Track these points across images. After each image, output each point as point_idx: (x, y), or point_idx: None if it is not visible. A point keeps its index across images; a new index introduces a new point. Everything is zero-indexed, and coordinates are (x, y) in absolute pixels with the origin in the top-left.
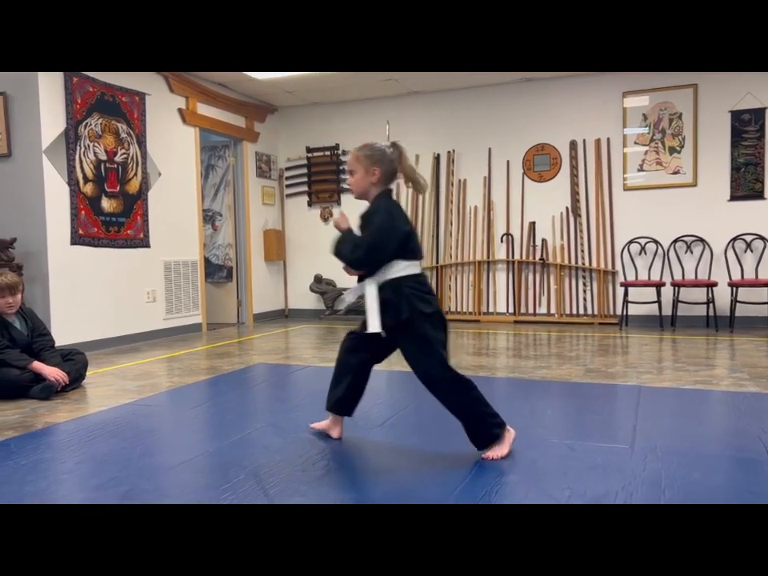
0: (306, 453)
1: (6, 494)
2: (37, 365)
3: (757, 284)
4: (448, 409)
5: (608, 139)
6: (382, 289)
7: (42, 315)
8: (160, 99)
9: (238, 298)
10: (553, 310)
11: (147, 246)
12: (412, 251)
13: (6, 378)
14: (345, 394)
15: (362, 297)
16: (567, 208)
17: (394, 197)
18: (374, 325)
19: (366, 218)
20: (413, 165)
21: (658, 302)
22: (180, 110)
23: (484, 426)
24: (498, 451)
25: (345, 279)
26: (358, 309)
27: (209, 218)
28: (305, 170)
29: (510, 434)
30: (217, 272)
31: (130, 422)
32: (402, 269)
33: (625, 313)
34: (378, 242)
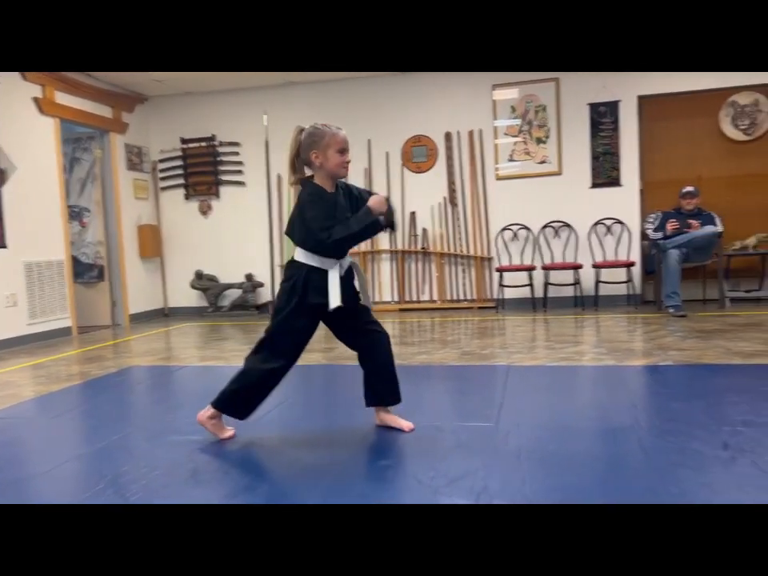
0: (171, 456)
1: None
2: None
3: (616, 265)
4: None
5: (480, 131)
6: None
7: None
8: (11, 87)
9: (111, 298)
10: (435, 297)
11: (3, 246)
12: None
13: None
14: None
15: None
16: (445, 198)
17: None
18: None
19: None
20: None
21: (530, 284)
22: (36, 99)
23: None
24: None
25: (227, 275)
26: (243, 304)
27: (75, 214)
28: (180, 162)
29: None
30: (87, 272)
31: None
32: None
33: (501, 297)
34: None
